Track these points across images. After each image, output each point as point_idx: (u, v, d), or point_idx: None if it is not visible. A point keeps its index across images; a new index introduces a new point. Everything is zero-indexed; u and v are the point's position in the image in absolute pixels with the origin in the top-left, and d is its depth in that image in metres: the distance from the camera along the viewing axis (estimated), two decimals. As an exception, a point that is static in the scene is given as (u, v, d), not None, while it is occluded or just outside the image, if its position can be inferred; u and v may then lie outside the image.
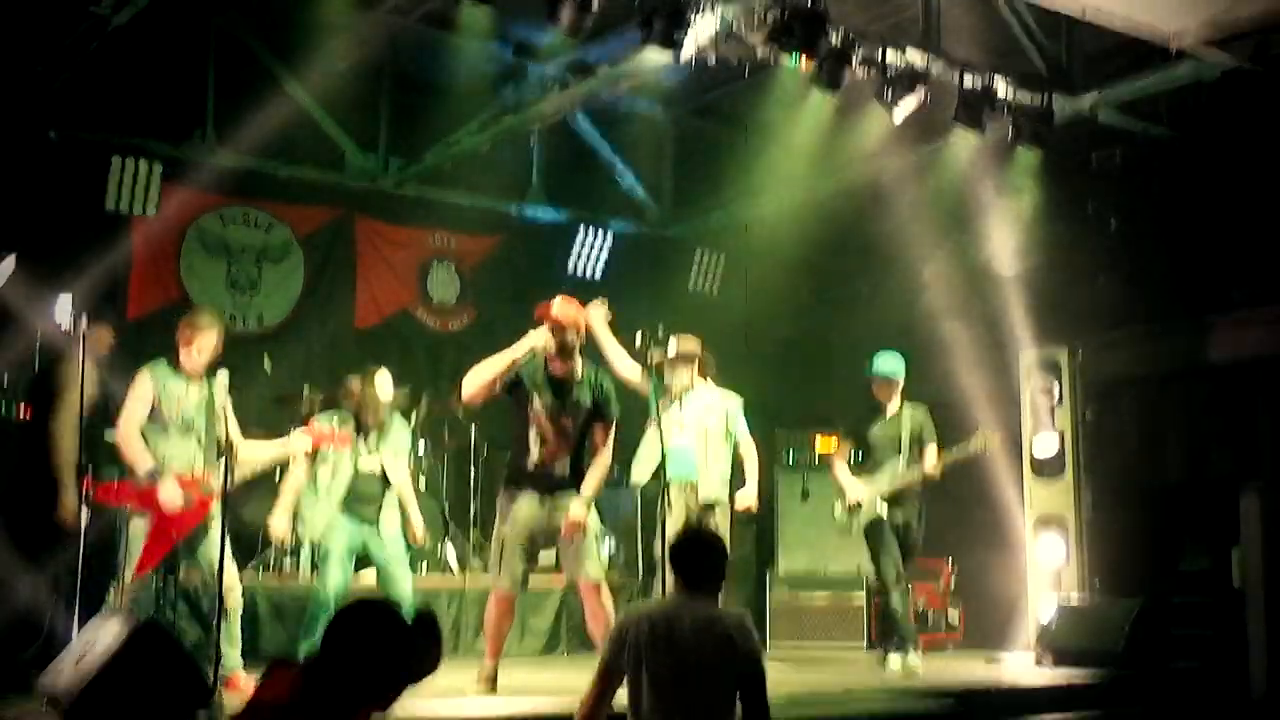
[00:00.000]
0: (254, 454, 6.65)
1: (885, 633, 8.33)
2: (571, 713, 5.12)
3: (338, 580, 7.17)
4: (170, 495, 6.24)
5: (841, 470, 8.24)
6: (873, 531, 8.09)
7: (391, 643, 3.30)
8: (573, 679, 7.54)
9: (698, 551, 4.37)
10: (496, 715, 6.20)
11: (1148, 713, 6.18)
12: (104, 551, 7.79)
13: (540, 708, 6.23)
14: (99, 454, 8.09)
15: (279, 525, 7.19)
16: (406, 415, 9.32)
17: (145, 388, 6.38)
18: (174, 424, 6.41)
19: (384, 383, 7.50)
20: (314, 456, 7.21)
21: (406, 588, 7.34)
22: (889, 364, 8.24)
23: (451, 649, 8.80)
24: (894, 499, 8.06)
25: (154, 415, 6.39)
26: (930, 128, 9.12)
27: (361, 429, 7.38)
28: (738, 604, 9.44)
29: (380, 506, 7.35)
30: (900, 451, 8.09)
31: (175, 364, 6.48)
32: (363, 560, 7.48)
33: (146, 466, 6.27)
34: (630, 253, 11.87)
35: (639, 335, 7.73)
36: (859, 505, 8.12)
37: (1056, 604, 8.62)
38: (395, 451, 7.53)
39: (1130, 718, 6.98)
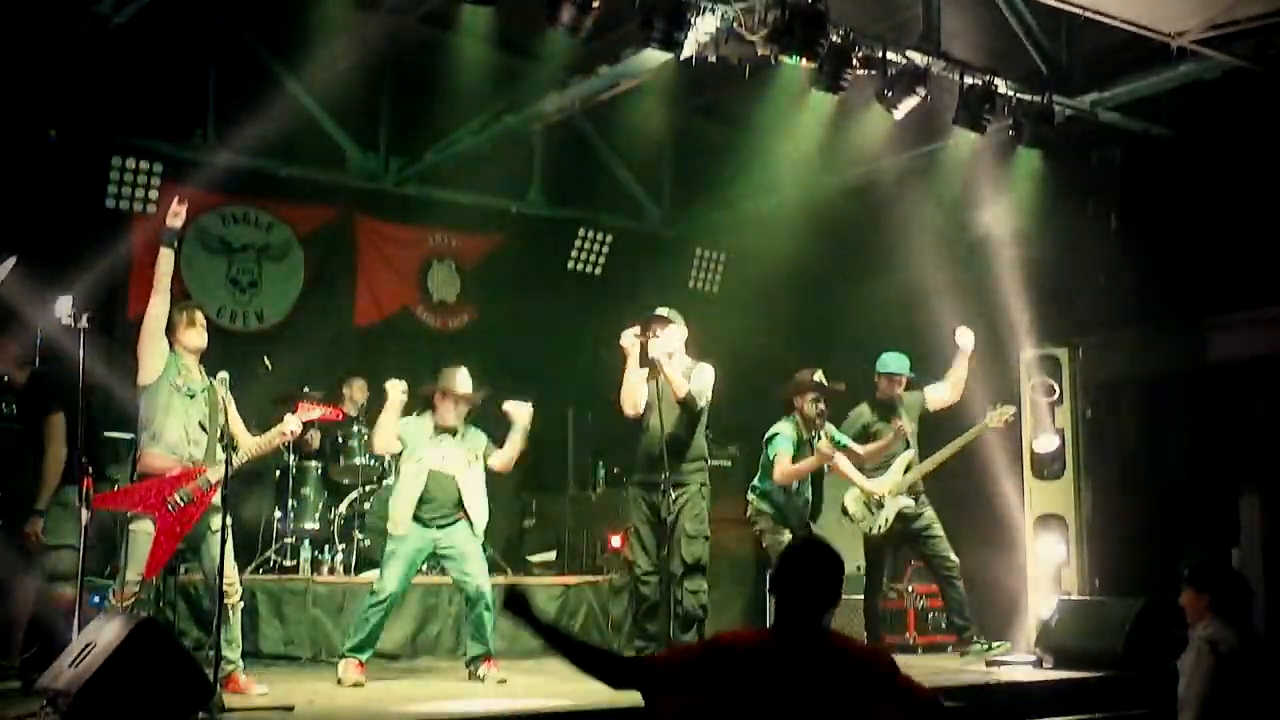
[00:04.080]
0: (252, 443, 6.68)
1: (962, 627, 8.37)
2: (572, 712, 5.15)
3: (398, 583, 7.29)
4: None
5: (849, 467, 8.28)
6: (910, 524, 8.28)
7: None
8: (574, 680, 7.56)
9: None
10: (497, 715, 6.20)
11: (1148, 713, 6.17)
12: (105, 552, 7.83)
13: (540, 708, 6.23)
14: (98, 455, 8.12)
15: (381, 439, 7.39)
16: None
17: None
18: (181, 392, 6.50)
19: (462, 380, 7.56)
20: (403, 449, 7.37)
21: (483, 572, 7.51)
22: (897, 361, 8.54)
23: (451, 649, 8.81)
24: (911, 491, 8.31)
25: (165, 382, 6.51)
26: (930, 128, 9.12)
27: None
28: (740, 606, 9.48)
29: (451, 508, 7.47)
30: (909, 446, 8.40)
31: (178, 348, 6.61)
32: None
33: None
34: (630, 251, 11.87)
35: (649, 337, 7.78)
36: (881, 501, 8.19)
37: (1056, 604, 8.62)
38: (468, 460, 7.61)
39: (1130, 718, 6.97)
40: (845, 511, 8.44)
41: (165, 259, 6.55)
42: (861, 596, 9.66)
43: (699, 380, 7.39)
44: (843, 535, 8.38)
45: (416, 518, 7.26)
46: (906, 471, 8.29)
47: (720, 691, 3.46)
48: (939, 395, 8.60)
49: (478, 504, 7.45)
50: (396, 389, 7.27)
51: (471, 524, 7.39)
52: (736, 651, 3.57)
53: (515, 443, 7.51)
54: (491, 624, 7.33)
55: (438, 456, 7.36)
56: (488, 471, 9.52)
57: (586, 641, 3.85)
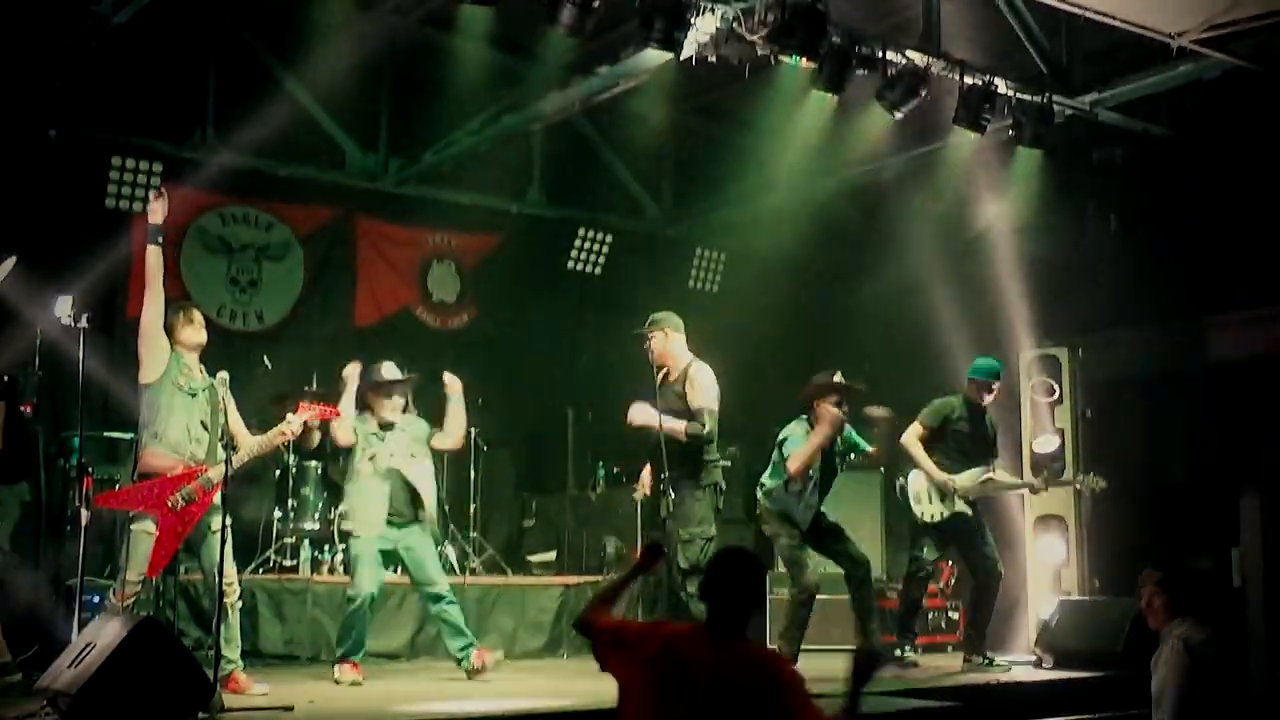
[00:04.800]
0: (253, 442, 6.68)
1: (974, 638, 8.25)
2: (572, 712, 5.14)
3: (371, 582, 7.28)
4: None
5: (924, 457, 8.18)
6: (964, 523, 8.16)
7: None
8: (574, 680, 7.56)
9: None
10: (497, 715, 6.20)
11: (1147, 713, 6.18)
12: (105, 552, 7.83)
13: (540, 708, 6.23)
14: (98, 455, 8.12)
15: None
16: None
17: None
18: (184, 390, 6.51)
19: (389, 369, 7.60)
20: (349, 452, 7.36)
21: (440, 572, 7.60)
22: (977, 367, 8.35)
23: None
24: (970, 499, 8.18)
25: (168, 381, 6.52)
26: (930, 128, 9.12)
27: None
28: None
29: (406, 506, 7.47)
30: (994, 454, 8.30)
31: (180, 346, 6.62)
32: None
33: None
34: (630, 251, 11.88)
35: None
36: (950, 493, 8.13)
37: (1056, 604, 8.62)
38: (410, 452, 7.63)
39: (1130, 718, 6.97)
40: (904, 492, 8.28)
41: (153, 257, 6.54)
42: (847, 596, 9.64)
43: (696, 389, 7.10)
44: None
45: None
46: (981, 484, 8.17)
47: (645, 666, 3.84)
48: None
49: (428, 494, 7.47)
50: (353, 370, 7.31)
51: (424, 524, 7.44)
52: (668, 639, 3.89)
53: (454, 415, 7.56)
54: (462, 616, 7.40)
55: (386, 454, 7.39)
56: (478, 468, 9.55)
57: (607, 598, 4.28)
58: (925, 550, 8.26)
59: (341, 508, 7.54)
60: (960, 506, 8.12)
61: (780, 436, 7.92)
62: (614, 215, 11.86)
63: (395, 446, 7.41)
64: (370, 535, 7.25)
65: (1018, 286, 9.68)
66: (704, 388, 7.12)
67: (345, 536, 7.49)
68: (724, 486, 7.26)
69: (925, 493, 8.19)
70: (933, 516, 8.16)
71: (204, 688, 5.41)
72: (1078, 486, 8.55)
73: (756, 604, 3.94)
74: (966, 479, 8.14)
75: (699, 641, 3.83)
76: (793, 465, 7.61)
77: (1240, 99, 8.64)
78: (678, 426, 6.96)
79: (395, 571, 9.03)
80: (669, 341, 7.23)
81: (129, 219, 9.48)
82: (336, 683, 7.06)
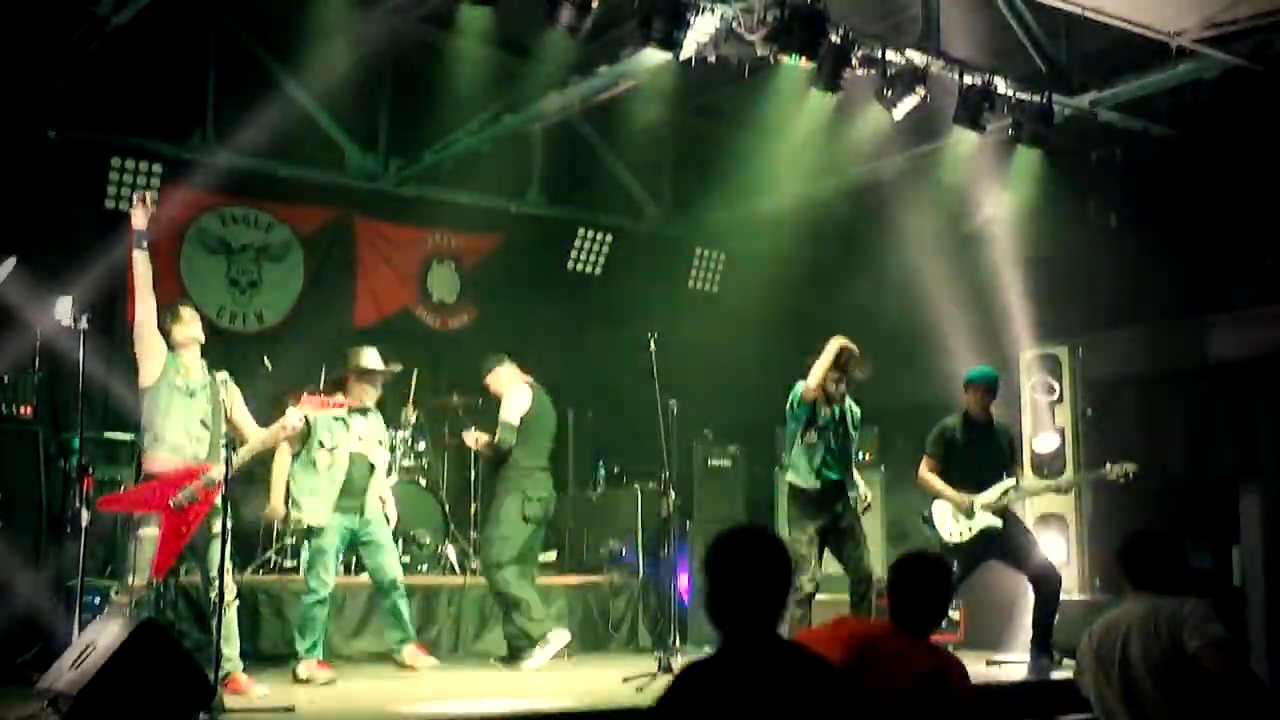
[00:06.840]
0: (256, 439, 6.68)
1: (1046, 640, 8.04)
2: (572, 712, 5.12)
3: (332, 577, 7.34)
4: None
5: (943, 486, 8.06)
6: (998, 536, 8.04)
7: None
8: (576, 679, 7.58)
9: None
10: (497, 715, 6.20)
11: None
12: (105, 552, 7.83)
13: (540, 708, 6.24)
14: (99, 455, 8.12)
15: (277, 509, 7.41)
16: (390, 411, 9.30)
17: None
18: (182, 391, 6.51)
19: (371, 357, 7.59)
20: (306, 438, 7.31)
21: (397, 562, 7.67)
22: (986, 370, 8.25)
23: (451, 649, 8.82)
24: (1000, 512, 8.06)
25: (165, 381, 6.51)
26: (930, 128, 9.12)
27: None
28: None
29: (366, 494, 7.52)
30: (1004, 463, 8.14)
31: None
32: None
33: None
34: (630, 251, 11.88)
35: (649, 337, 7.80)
36: (971, 510, 8.02)
37: (1057, 603, 8.61)
38: (378, 439, 7.73)
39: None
40: (929, 522, 8.15)
41: (140, 262, 6.53)
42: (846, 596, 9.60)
43: (502, 408, 8.21)
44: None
45: (335, 506, 7.34)
46: (1003, 496, 8.06)
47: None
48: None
49: (386, 485, 7.69)
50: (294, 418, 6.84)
51: (377, 511, 7.55)
52: (860, 639, 3.89)
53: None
54: (408, 610, 7.60)
55: (353, 438, 7.44)
56: (478, 469, 9.58)
57: None
58: (954, 569, 8.15)
59: (296, 501, 7.44)
60: (987, 522, 7.99)
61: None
62: (614, 215, 11.86)
63: (367, 431, 7.54)
64: (332, 526, 7.31)
65: (1018, 286, 9.69)
66: (506, 406, 8.20)
67: (307, 533, 7.40)
68: (538, 495, 8.10)
69: (950, 515, 8.10)
70: (961, 535, 8.07)
71: (204, 689, 5.41)
72: (1110, 476, 8.26)
73: (941, 605, 4.09)
74: (990, 495, 8.03)
75: (890, 637, 3.95)
76: (811, 380, 7.60)
77: (1240, 98, 8.64)
78: (483, 439, 8.22)
79: (422, 570, 9.08)
80: (497, 376, 8.38)
81: (129, 220, 9.46)
82: (308, 681, 7.07)
